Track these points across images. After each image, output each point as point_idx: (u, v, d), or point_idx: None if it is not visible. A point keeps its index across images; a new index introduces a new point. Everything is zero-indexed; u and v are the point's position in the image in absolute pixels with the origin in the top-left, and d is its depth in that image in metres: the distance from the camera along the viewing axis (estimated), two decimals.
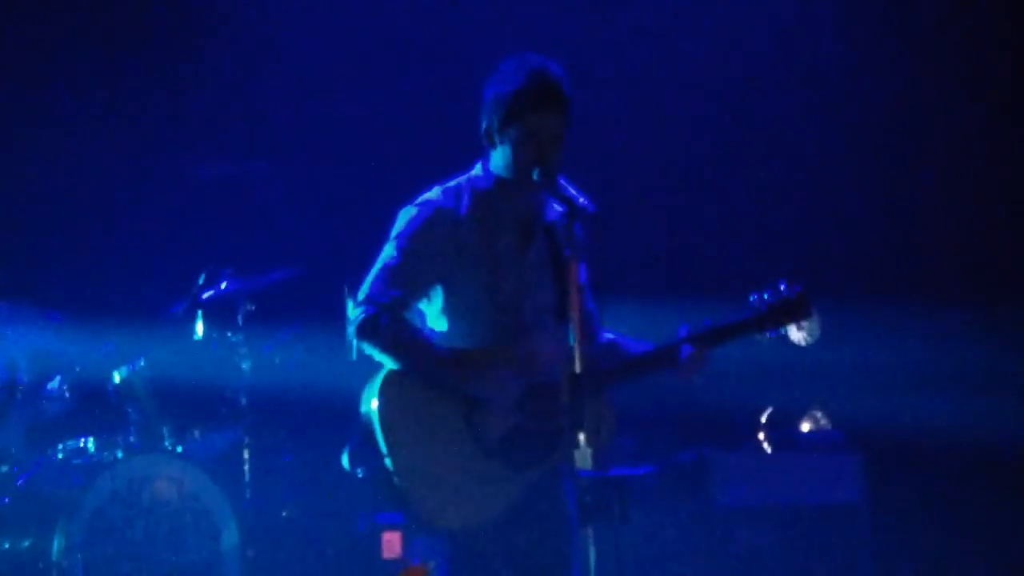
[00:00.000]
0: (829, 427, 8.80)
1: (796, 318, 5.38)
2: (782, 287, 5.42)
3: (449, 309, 5.40)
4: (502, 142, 5.38)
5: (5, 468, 7.45)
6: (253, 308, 7.84)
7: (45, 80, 9.13)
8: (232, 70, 9.35)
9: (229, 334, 7.83)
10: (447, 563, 5.30)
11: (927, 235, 9.37)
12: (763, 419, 8.77)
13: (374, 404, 5.27)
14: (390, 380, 5.30)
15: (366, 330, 5.31)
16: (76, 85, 9.14)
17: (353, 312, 5.39)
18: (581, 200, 5.37)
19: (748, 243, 9.27)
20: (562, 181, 5.26)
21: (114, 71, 9.18)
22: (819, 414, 8.86)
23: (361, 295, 5.39)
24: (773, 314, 5.39)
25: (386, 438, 5.23)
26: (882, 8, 9.42)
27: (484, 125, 5.43)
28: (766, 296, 5.41)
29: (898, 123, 9.47)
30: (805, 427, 8.81)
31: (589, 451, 4.97)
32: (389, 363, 5.31)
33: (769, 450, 8.63)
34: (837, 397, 8.82)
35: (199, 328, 7.80)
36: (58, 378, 7.70)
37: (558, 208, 5.28)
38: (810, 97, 9.50)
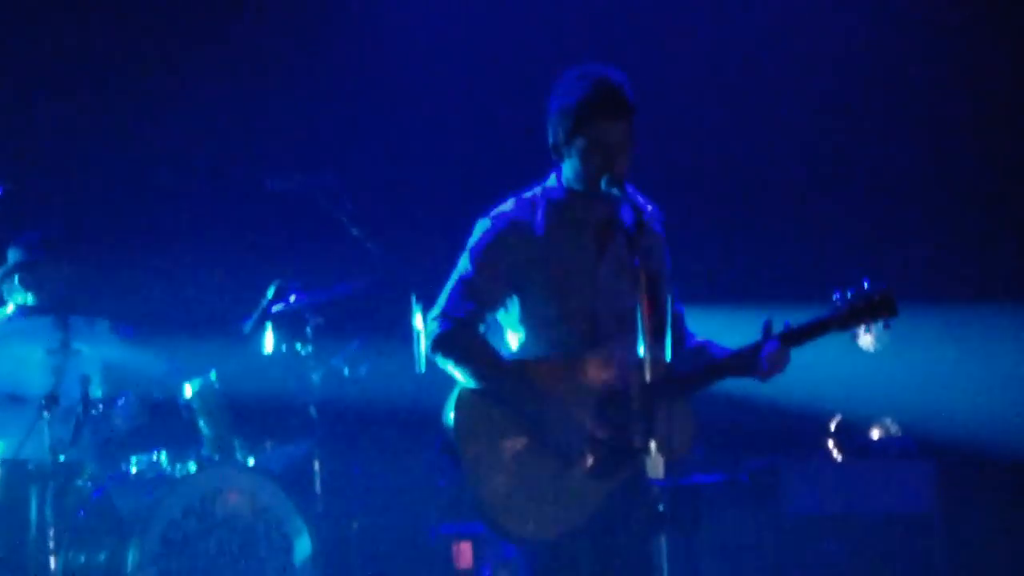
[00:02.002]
0: (899, 435, 8.74)
1: (881, 315, 5.33)
2: (865, 285, 5.36)
3: (526, 319, 5.41)
4: (570, 154, 5.39)
5: (80, 482, 7.53)
6: (322, 321, 7.87)
7: (116, 98, 9.22)
8: (301, 82, 9.41)
9: (298, 347, 7.86)
10: (529, 574, 5.29)
11: (1005, 237, 9.29)
12: (832, 426, 8.73)
13: (451, 416, 5.29)
14: (466, 392, 5.32)
15: (441, 345, 5.34)
16: (146, 103, 9.23)
17: (429, 326, 5.41)
18: (650, 208, 5.41)
19: (818, 250, 9.21)
20: (630, 189, 5.29)
21: (183, 86, 9.25)
22: (889, 421, 8.80)
23: (436, 309, 5.41)
24: (857, 311, 5.34)
25: (464, 451, 5.25)
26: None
27: (551, 138, 5.45)
28: (850, 294, 5.35)
29: (961, 122, 9.42)
30: (875, 434, 8.75)
31: (661, 460, 4.97)
32: (462, 377, 5.32)
33: (839, 458, 8.58)
34: (908, 404, 8.75)
35: (269, 341, 7.87)
36: (130, 393, 7.76)
37: (630, 213, 5.27)
38: (883, 104, 9.47)
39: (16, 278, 7.83)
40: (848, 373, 7.96)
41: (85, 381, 7.39)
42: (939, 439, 8.57)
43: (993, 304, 8.95)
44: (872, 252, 9.22)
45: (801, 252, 9.19)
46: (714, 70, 9.51)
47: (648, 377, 4.98)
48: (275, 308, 7.85)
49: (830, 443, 8.70)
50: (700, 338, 5.59)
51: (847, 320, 5.35)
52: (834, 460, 8.59)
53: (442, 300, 5.42)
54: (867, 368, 7.70)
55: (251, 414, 7.78)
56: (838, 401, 8.76)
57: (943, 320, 8.67)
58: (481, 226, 5.46)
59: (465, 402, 5.30)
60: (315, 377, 7.84)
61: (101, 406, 7.54)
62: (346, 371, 7.94)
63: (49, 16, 9.11)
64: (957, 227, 9.43)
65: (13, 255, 7.87)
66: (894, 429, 8.73)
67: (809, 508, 8.24)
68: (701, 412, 5.46)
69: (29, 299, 7.87)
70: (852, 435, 8.72)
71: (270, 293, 7.83)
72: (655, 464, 4.97)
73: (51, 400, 7.24)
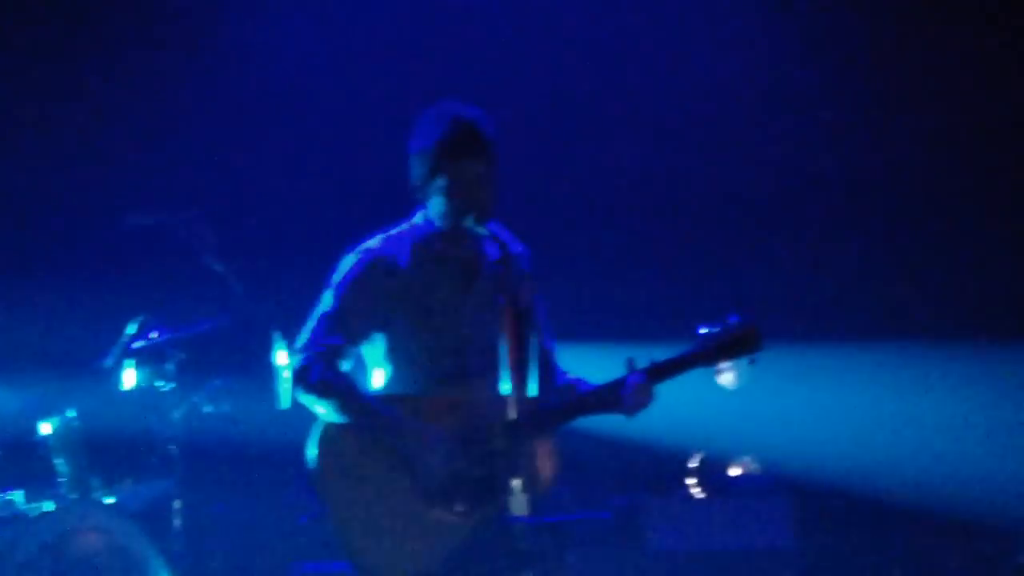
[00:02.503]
0: (758, 472, 8.84)
1: (747, 350, 5.36)
2: (732, 320, 5.40)
3: (391, 355, 5.42)
4: (433, 193, 5.42)
5: None
6: (183, 357, 7.79)
7: None
8: (165, 116, 9.32)
9: (159, 383, 7.77)
10: None
11: (863, 272, 9.45)
12: (693, 464, 8.81)
13: (312, 452, 5.27)
14: (326, 429, 5.30)
15: (302, 379, 5.33)
16: (6, 133, 9.09)
17: (290, 360, 5.39)
18: (515, 246, 5.44)
19: (685, 286, 9.30)
20: (494, 227, 5.31)
21: (44, 117, 9.13)
22: (748, 459, 8.90)
23: (298, 343, 5.41)
24: (723, 346, 5.37)
25: (325, 489, 5.23)
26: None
27: (413, 179, 5.48)
28: (716, 329, 5.38)
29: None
30: (734, 472, 8.85)
31: (524, 497, 4.98)
32: (325, 413, 5.30)
33: (701, 495, 8.66)
34: (766, 442, 8.86)
35: (129, 378, 7.76)
36: None
37: (496, 250, 5.30)
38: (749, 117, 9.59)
39: None
40: (709, 411, 8.04)
41: None
42: (795, 476, 8.68)
43: (849, 342, 9.10)
44: (734, 289, 9.31)
45: (670, 289, 9.26)
46: (584, 106, 9.56)
47: (512, 413, 5.00)
48: (136, 344, 7.75)
49: (691, 480, 8.77)
50: (571, 375, 5.62)
51: (712, 355, 5.38)
52: (695, 497, 8.66)
53: (305, 334, 5.41)
54: (727, 406, 7.79)
55: (110, 452, 7.64)
56: (698, 439, 8.83)
57: (801, 358, 8.78)
58: (347, 262, 5.47)
59: (327, 438, 5.29)
60: (176, 414, 7.74)
61: None
62: (208, 408, 7.86)
63: None
64: (815, 262, 9.58)
65: None
66: (753, 466, 8.84)
67: (671, 544, 8.30)
68: (565, 449, 5.48)
69: None
70: (712, 472, 8.80)
71: (131, 329, 7.75)
72: (518, 501, 4.98)
73: None
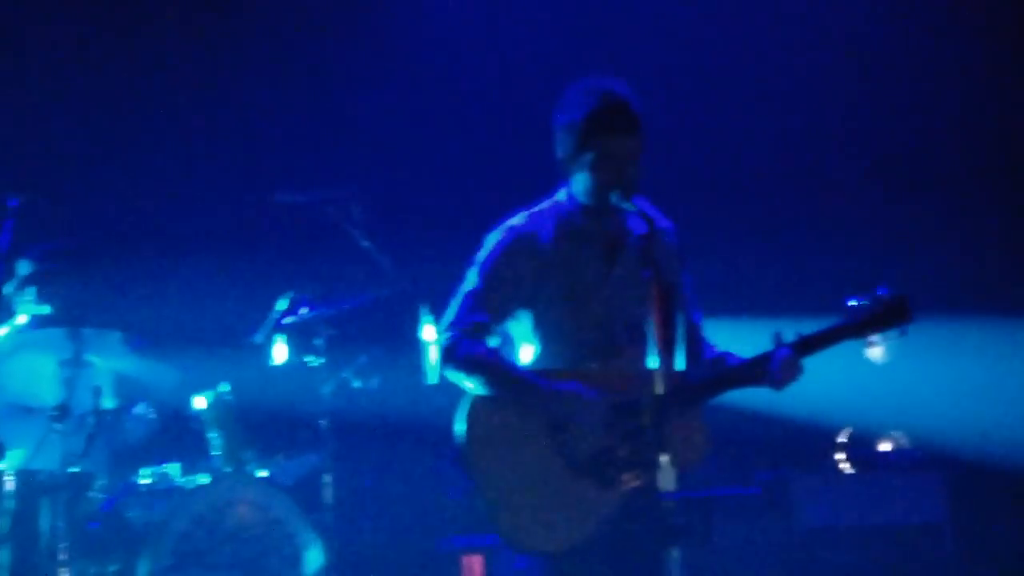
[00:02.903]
0: (908, 447, 8.73)
1: (897, 322, 5.33)
2: (881, 292, 5.37)
3: (538, 331, 5.44)
4: (579, 168, 5.42)
5: (91, 494, 7.50)
6: (333, 333, 7.89)
7: (127, 111, 9.25)
8: (311, 94, 9.44)
9: (309, 359, 7.87)
10: None
11: (1016, 250, 9.28)
12: (842, 439, 8.72)
13: (462, 427, 5.30)
14: (475, 404, 5.33)
15: (449, 355, 5.37)
16: (157, 115, 9.26)
17: (439, 338, 5.42)
18: (662, 221, 5.42)
19: (832, 262, 9.19)
20: (640, 202, 5.29)
21: (193, 99, 9.29)
22: (898, 433, 8.80)
23: (445, 321, 5.44)
24: (873, 318, 5.34)
25: (474, 462, 5.26)
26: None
27: (558, 153, 5.47)
28: (865, 301, 5.36)
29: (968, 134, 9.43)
30: (884, 447, 8.75)
31: (673, 472, 4.96)
32: (474, 387, 5.34)
33: (850, 470, 8.58)
34: (917, 416, 8.74)
35: (280, 353, 7.87)
36: (142, 404, 7.78)
37: (641, 226, 5.28)
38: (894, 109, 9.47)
39: (30, 290, 7.83)
40: (857, 385, 7.96)
41: (97, 393, 7.39)
42: (948, 450, 8.57)
43: (1000, 315, 8.95)
44: (881, 264, 9.20)
45: (816, 263, 9.17)
46: (719, 84, 9.51)
47: (660, 388, 4.98)
48: (286, 320, 7.87)
49: (840, 455, 8.69)
50: (719, 350, 5.59)
51: (862, 327, 5.35)
52: (844, 472, 8.58)
53: (451, 312, 5.45)
54: (876, 380, 7.70)
55: (262, 426, 7.78)
56: (848, 414, 8.75)
57: (950, 332, 8.66)
58: (491, 239, 5.50)
59: (476, 413, 5.32)
60: (326, 389, 7.85)
61: (113, 418, 7.54)
62: (357, 384, 7.95)
63: (49, 29, 9.14)
64: (968, 238, 9.42)
65: (24, 267, 7.87)
66: (903, 441, 8.73)
67: (820, 520, 8.24)
68: (712, 425, 5.47)
69: (41, 310, 7.87)
70: (862, 447, 8.71)
71: (281, 305, 7.86)
72: (667, 476, 4.95)
73: (62, 411, 7.24)
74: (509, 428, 5.29)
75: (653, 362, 4.94)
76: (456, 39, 9.44)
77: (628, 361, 5.32)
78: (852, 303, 5.37)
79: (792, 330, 5.37)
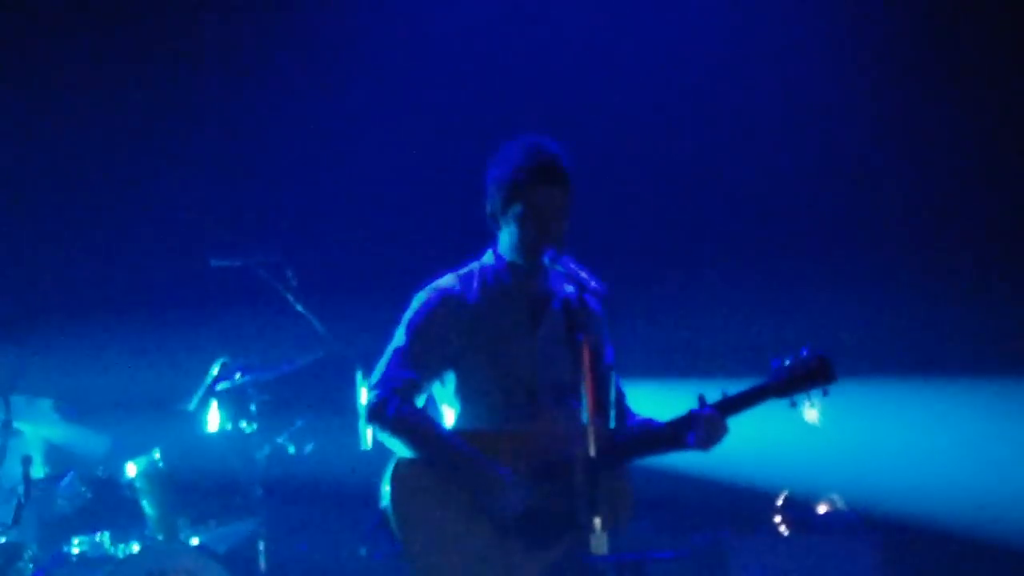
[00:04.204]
0: (846, 509, 8.74)
1: (819, 381, 5.38)
2: (804, 353, 5.42)
3: (462, 391, 5.43)
4: (507, 222, 5.47)
5: (20, 564, 7.41)
6: (267, 398, 7.84)
7: (57, 179, 9.21)
8: (244, 160, 9.43)
9: (243, 424, 7.82)
10: None
11: (950, 309, 9.32)
12: (779, 502, 8.72)
13: (386, 488, 5.28)
14: (402, 464, 5.31)
15: (377, 414, 5.36)
16: (87, 181, 9.22)
17: (367, 395, 5.41)
18: (592, 283, 5.41)
19: (759, 324, 9.22)
20: (570, 263, 5.31)
21: (125, 163, 9.26)
22: (836, 496, 8.80)
23: (373, 379, 5.44)
24: (795, 378, 5.39)
25: (400, 523, 5.24)
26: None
27: (489, 207, 5.52)
28: (788, 361, 5.41)
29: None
30: (822, 509, 8.75)
31: (604, 535, 4.94)
32: (399, 447, 5.33)
33: (786, 533, 8.57)
34: (853, 479, 8.76)
35: (213, 419, 7.82)
36: (73, 472, 7.68)
37: (569, 288, 5.32)
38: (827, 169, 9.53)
39: None
40: (794, 448, 7.97)
41: (27, 461, 7.31)
42: (885, 513, 8.58)
43: (936, 377, 8.99)
44: (814, 325, 9.23)
45: (741, 326, 9.19)
46: (654, 140, 9.54)
47: (591, 449, 4.97)
48: (220, 386, 7.81)
49: (777, 518, 8.68)
50: (640, 416, 5.60)
51: (785, 387, 5.39)
52: (781, 535, 8.57)
53: (379, 370, 5.45)
54: (813, 443, 7.72)
55: (195, 493, 7.70)
56: (784, 476, 8.75)
57: (887, 393, 8.70)
58: (419, 299, 5.52)
59: (401, 474, 5.30)
60: (260, 455, 7.80)
61: (43, 486, 7.45)
62: (292, 449, 7.90)
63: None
64: (901, 298, 9.46)
65: None
66: (840, 504, 8.74)
67: None
68: (649, 486, 5.47)
69: None
70: (799, 510, 8.71)
71: (215, 370, 7.81)
72: (599, 539, 4.93)
73: None
74: (435, 489, 5.27)
75: (582, 422, 4.93)
76: (383, 104, 9.45)
77: (550, 422, 5.32)
78: (776, 363, 5.42)
79: (716, 391, 5.39)
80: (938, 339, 9.34)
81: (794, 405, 5.40)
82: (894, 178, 9.56)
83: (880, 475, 8.78)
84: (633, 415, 5.63)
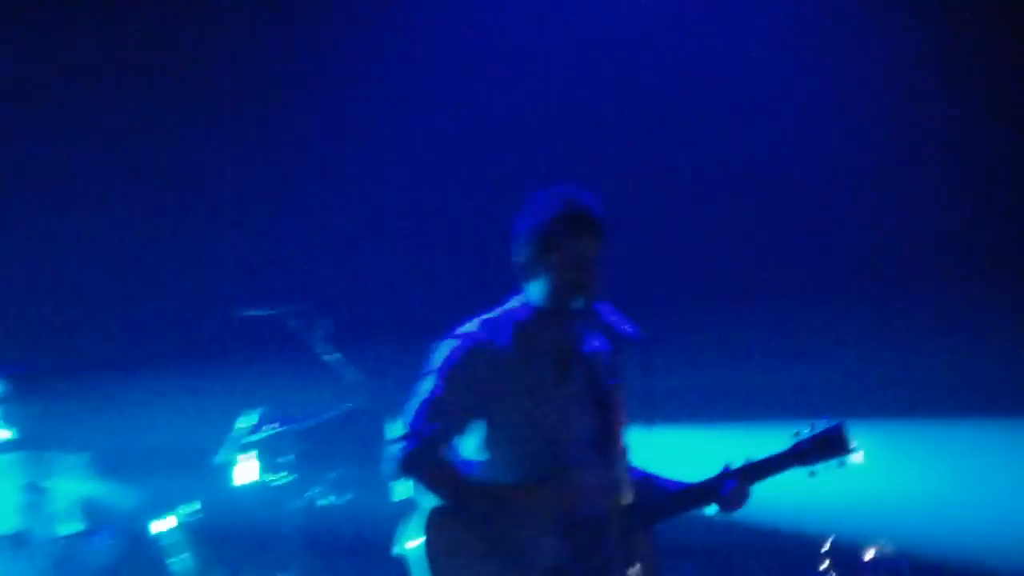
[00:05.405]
0: (893, 555, 8.61)
1: (835, 453, 5.50)
2: (820, 423, 5.53)
3: (489, 442, 5.33)
4: (540, 272, 5.40)
5: None
6: (301, 450, 7.80)
7: (87, 227, 9.23)
8: (274, 211, 9.43)
9: (277, 477, 7.78)
10: None
11: (995, 354, 9.18)
12: (825, 547, 8.60)
13: (418, 542, 5.19)
14: (432, 516, 5.22)
15: (406, 465, 5.27)
16: (118, 232, 9.24)
17: (393, 447, 5.32)
18: (625, 328, 5.31)
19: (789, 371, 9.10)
20: (603, 309, 5.28)
21: (154, 213, 9.28)
22: (883, 542, 8.68)
23: (401, 430, 5.34)
24: (812, 451, 5.48)
25: (436, 573, 5.14)
26: None
27: (520, 258, 5.45)
28: (807, 431, 5.51)
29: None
30: (868, 556, 8.62)
31: None
32: (429, 498, 5.25)
33: None
34: (901, 524, 8.64)
35: (246, 472, 7.77)
36: (107, 528, 7.67)
37: (598, 337, 5.29)
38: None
39: None
40: (841, 493, 7.85)
41: (58, 518, 7.30)
42: (931, 558, 8.45)
43: (995, 418, 8.86)
44: (867, 367, 9.14)
45: (762, 369, 9.10)
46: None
47: (627, 500, 4.90)
48: (253, 437, 7.78)
49: (824, 564, 8.56)
50: (641, 470, 5.53)
51: (803, 458, 5.50)
52: None
53: (407, 420, 5.34)
54: (859, 487, 7.60)
55: (229, 547, 7.67)
56: (831, 522, 8.63)
57: (937, 437, 8.59)
58: (446, 346, 5.41)
59: (434, 524, 5.21)
60: (294, 507, 7.75)
61: (74, 543, 7.44)
62: (326, 501, 7.84)
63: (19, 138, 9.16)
64: (960, 340, 9.32)
65: None
66: (887, 549, 8.60)
67: None
68: (691, 534, 5.44)
69: (5, 434, 7.78)
70: (846, 555, 8.58)
71: (243, 423, 7.78)
72: None
73: (18, 540, 7.14)
74: (467, 541, 5.18)
75: (610, 473, 4.85)
76: (411, 150, 9.43)
77: (578, 474, 5.23)
78: (796, 433, 5.53)
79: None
80: (996, 380, 9.19)
81: (813, 475, 5.52)
82: (941, 219, 9.43)
83: (929, 520, 8.66)
84: (634, 468, 5.55)
